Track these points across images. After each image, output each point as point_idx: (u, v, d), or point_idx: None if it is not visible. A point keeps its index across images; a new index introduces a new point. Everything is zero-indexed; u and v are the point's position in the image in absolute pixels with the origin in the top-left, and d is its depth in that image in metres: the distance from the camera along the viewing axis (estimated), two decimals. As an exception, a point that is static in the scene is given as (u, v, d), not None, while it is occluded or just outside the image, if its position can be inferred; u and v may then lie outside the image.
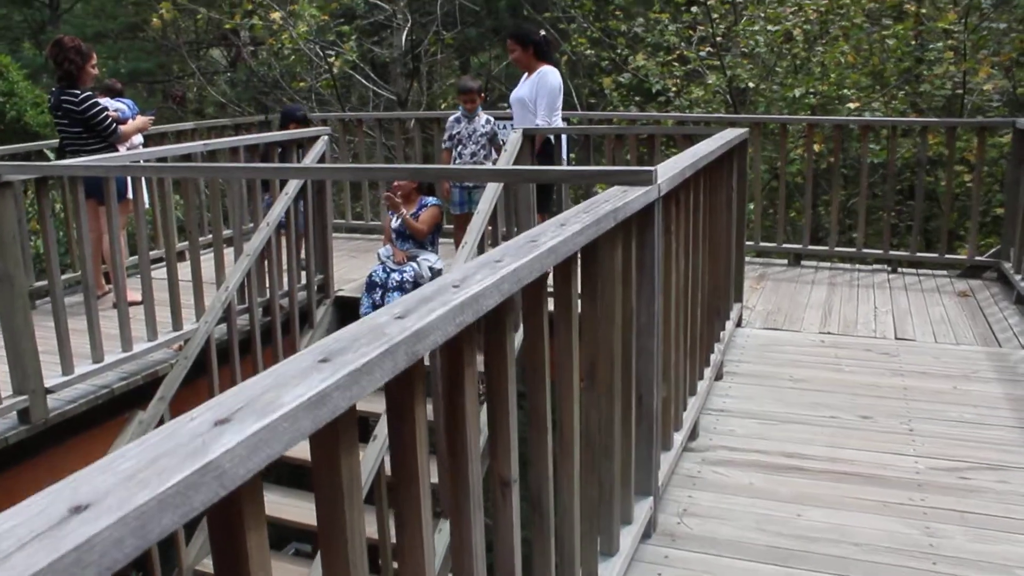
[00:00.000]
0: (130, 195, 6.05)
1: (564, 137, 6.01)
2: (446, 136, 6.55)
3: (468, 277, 1.48)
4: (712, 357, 4.27)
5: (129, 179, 6.13)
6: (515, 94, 5.98)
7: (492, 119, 6.44)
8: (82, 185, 4.46)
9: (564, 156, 6.15)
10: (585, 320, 2.29)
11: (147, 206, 6.67)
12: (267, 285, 5.72)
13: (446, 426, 1.48)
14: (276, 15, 9.57)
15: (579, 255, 2.04)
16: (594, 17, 11.13)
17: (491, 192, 5.12)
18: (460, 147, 6.40)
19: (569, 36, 11.11)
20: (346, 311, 6.35)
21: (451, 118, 6.57)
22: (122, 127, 6.08)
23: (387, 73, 12.25)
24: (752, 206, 7.35)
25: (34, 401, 4.20)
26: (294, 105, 8.39)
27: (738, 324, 5.28)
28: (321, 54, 10.12)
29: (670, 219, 3.03)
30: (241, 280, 5.39)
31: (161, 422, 4.88)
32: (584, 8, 11.12)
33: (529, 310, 1.83)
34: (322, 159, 5.98)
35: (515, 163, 5.42)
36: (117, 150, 6.08)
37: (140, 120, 6.37)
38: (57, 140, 6.11)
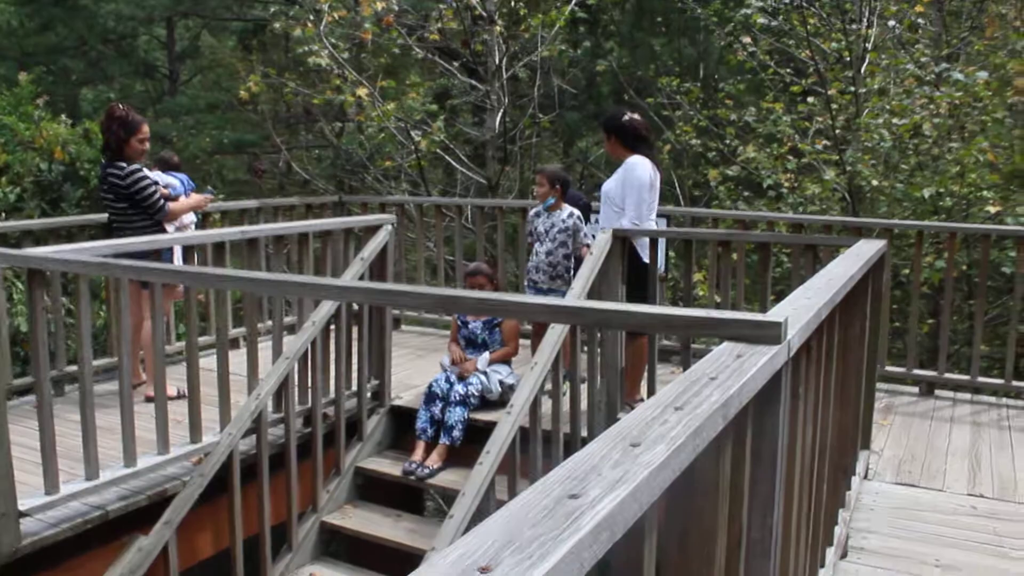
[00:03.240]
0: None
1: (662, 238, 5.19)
2: (527, 232, 5.82)
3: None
4: (836, 531, 3.33)
5: (176, 258, 5.60)
6: (604, 186, 5.21)
7: (576, 212, 5.66)
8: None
9: (661, 258, 5.32)
10: (667, 568, 1.45)
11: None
12: (309, 390, 5.01)
13: None
14: (362, 91, 9.10)
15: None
16: (701, 104, 10.37)
17: (571, 300, 4.32)
18: (538, 244, 5.64)
19: (674, 124, 10.37)
20: (403, 423, 5.59)
21: (532, 211, 5.84)
22: (171, 204, 5.53)
23: (483, 155, 11.72)
24: (875, 321, 6.35)
25: (2, 527, 3.52)
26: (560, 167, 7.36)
27: (864, 476, 4.30)
28: (408, 133, 9.61)
29: (799, 380, 2.17)
30: (277, 386, 4.70)
31: (165, 551, 4.16)
32: (691, 95, 10.37)
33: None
34: (383, 251, 5.29)
35: (604, 270, 4.63)
36: (165, 230, 5.53)
37: (194, 198, 5.83)
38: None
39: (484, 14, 9.83)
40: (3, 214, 6.98)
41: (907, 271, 8.19)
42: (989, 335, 8.85)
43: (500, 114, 10.39)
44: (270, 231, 4.86)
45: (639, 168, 4.96)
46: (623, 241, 4.58)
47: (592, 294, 4.51)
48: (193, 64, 24.06)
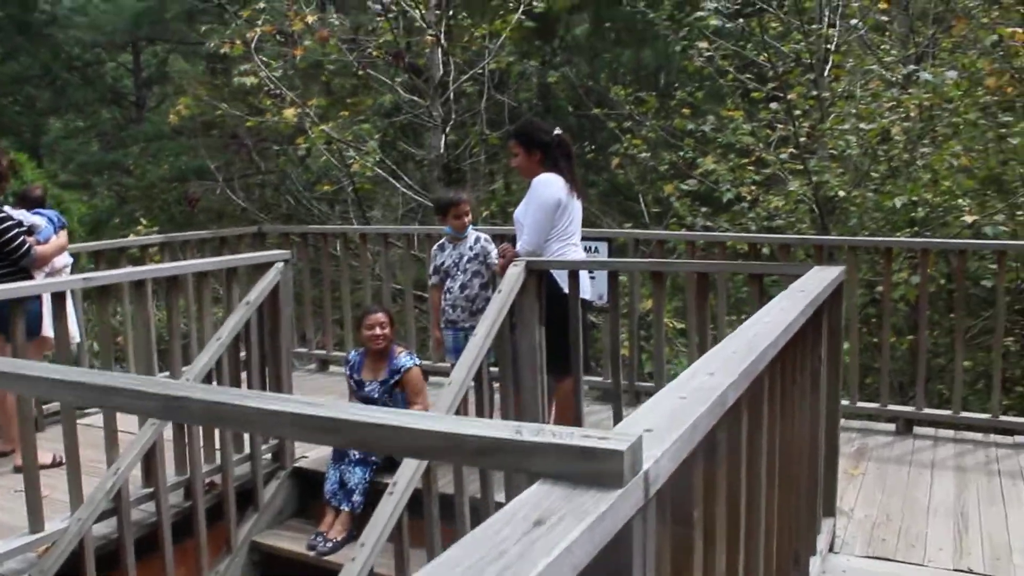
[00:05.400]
0: (47, 331, 4.82)
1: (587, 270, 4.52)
2: (431, 270, 5.09)
3: None
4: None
5: (47, 310, 4.89)
6: (516, 212, 4.54)
7: (483, 235, 4.98)
8: None
9: (590, 288, 4.61)
10: None
11: (77, 339, 5.42)
12: (188, 457, 4.31)
13: None
14: (289, 112, 8.40)
15: None
16: (655, 115, 9.70)
17: (473, 350, 3.66)
18: (449, 280, 4.91)
19: (625, 135, 9.69)
20: (311, 487, 4.87)
21: (434, 247, 5.11)
22: (39, 248, 4.83)
23: (431, 176, 11.04)
24: (846, 345, 5.69)
25: None
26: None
27: (830, 548, 3.62)
28: (341, 156, 8.93)
29: (690, 503, 1.49)
30: (141, 456, 4.00)
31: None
32: (647, 106, 9.69)
33: None
34: (275, 293, 4.59)
35: (518, 306, 3.96)
36: (32, 276, 4.83)
37: (63, 237, 5.11)
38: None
39: (424, 24, 9.19)
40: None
41: (881, 288, 7.57)
42: (974, 349, 8.23)
43: (444, 132, 9.74)
44: (124, 276, 4.16)
45: (549, 186, 4.31)
46: (539, 275, 3.90)
47: (501, 338, 3.83)
48: (161, 90, 23.33)
